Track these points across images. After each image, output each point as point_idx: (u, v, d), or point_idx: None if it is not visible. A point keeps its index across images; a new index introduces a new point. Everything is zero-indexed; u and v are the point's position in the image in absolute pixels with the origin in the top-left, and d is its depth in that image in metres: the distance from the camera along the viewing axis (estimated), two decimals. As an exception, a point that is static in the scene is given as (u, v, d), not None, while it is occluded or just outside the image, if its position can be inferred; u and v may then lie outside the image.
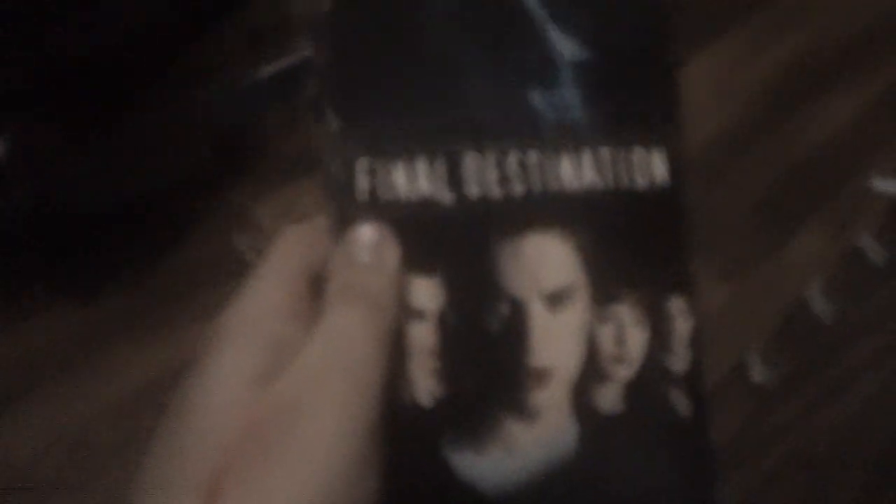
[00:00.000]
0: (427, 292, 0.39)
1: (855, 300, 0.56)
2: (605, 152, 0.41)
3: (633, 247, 0.41)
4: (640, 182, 0.42)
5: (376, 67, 0.40)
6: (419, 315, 0.39)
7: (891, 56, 0.64)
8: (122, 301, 0.53)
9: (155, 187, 0.51)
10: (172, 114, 0.50)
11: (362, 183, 0.40)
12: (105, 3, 0.44)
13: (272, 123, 0.50)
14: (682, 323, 0.41)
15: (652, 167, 0.42)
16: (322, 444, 0.33)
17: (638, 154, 0.42)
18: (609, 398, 0.40)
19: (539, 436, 0.39)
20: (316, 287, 0.39)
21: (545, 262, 0.40)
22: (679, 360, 0.41)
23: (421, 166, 0.40)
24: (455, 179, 0.40)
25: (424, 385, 0.38)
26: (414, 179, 0.40)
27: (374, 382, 0.35)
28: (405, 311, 0.39)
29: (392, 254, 0.38)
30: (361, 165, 0.40)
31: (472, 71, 0.41)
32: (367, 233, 0.38)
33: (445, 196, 0.40)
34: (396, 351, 0.38)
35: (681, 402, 0.40)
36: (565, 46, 0.42)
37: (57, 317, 0.52)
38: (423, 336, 0.39)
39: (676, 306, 0.41)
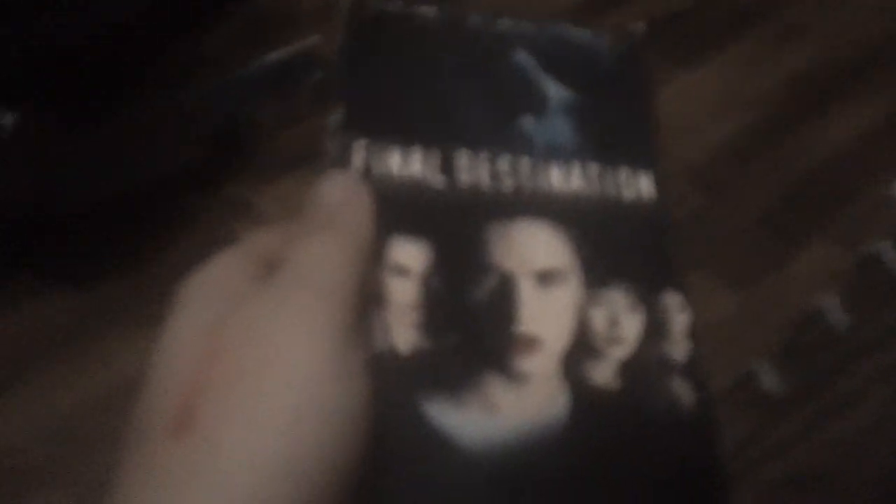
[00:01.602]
0: (412, 254, 0.38)
1: (870, 308, 0.52)
2: (594, 167, 0.43)
3: (621, 246, 0.41)
4: (627, 195, 0.43)
5: (385, 79, 0.44)
6: (402, 271, 0.37)
7: None
8: (114, 292, 0.50)
9: (151, 178, 0.51)
10: (170, 105, 0.51)
11: (357, 159, 0.41)
12: None
13: (271, 115, 0.52)
14: (678, 314, 0.39)
15: (639, 185, 0.43)
16: (291, 358, 0.30)
17: (625, 172, 0.43)
18: (603, 374, 0.36)
19: (526, 400, 0.35)
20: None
21: (535, 245, 0.40)
22: (678, 350, 0.38)
23: (416, 154, 0.41)
24: (448, 169, 0.41)
25: (403, 334, 0.35)
26: (408, 163, 0.41)
27: (339, 295, 0.33)
28: (387, 266, 0.37)
29: (364, 191, 0.38)
30: (359, 144, 0.41)
31: (469, 100, 0.45)
32: (335, 175, 0.38)
33: (438, 180, 0.41)
34: (374, 299, 0.36)
35: (683, 390, 0.37)
36: (552, 88, 0.46)
37: (46, 307, 0.50)
38: (404, 290, 0.37)
39: (672, 299, 0.39)
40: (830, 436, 0.44)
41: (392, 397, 0.34)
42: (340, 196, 0.37)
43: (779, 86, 0.66)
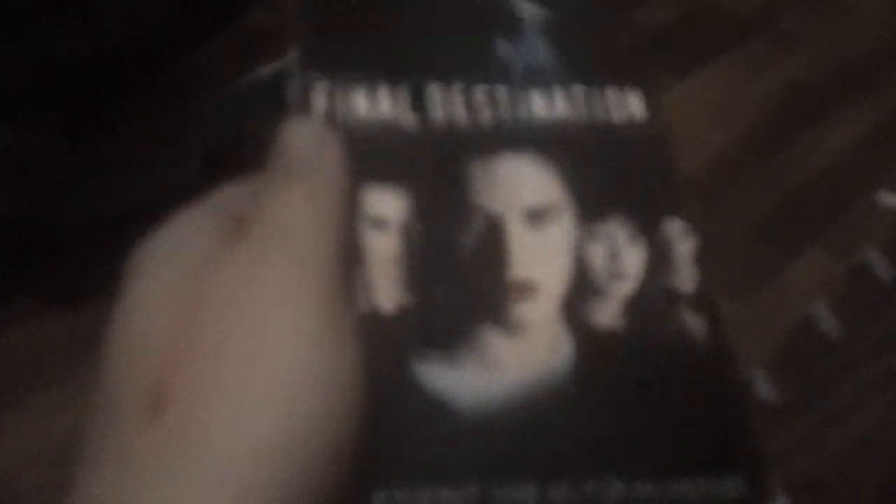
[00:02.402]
0: (389, 203, 0.35)
1: (862, 317, 0.52)
2: (578, 89, 0.40)
3: (615, 174, 0.38)
4: (617, 117, 0.39)
5: (345, 10, 0.40)
6: (380, 223, 0.34)
7: (894, 78, 0.64)
8: (109, 311, 0.48)
9: (145, 197, 0.48)
10: (163, 122, 0.48)
11: (319, 104, 0.37)
12: (99, 12, 0.45)
13: (264, 130, 0.48)
14: (682, 242, 0.36)
15: (628, 105, 0.40)
16: (273, 328, 0.27)
17: (612, 93, 0.40)
18: (607, 313, 0.34)
19: (526, 352, 0.32)
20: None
21: (521, 181, 0.36)
22: (685, 280, 0.35)
23: (383, 92, 0.38)
24: (419, 106, 0.38)
25: (386, 293, 0.32)
26: (375, 104, 0.38)
27: (320, 257, 0.30)
28: (363, 219, 0.34)
29: (332, 138, 0.34)
30: (320, 87, 0.37)
31: (436, 27, 0.41)
32: (300, 122, 0.35)
33: (409, 119, 0.37)
34: (352, 256, 0.33)
35: (694, 321, 0.34)
36: (526, 7, 0.42)
37: (42, 329, 0.47)
38: (384, 244, 0.34)
39: (673, 227, 0.36)
40: (828, 444, 0.43)
41: (380, 362, 0.31)
42: (307, 144, 0.33)
43: (771, 97, 0.64)
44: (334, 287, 0.29)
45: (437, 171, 0.36)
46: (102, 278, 0.47)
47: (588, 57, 0.41)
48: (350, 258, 0.32)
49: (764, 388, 0.52)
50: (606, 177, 0.37)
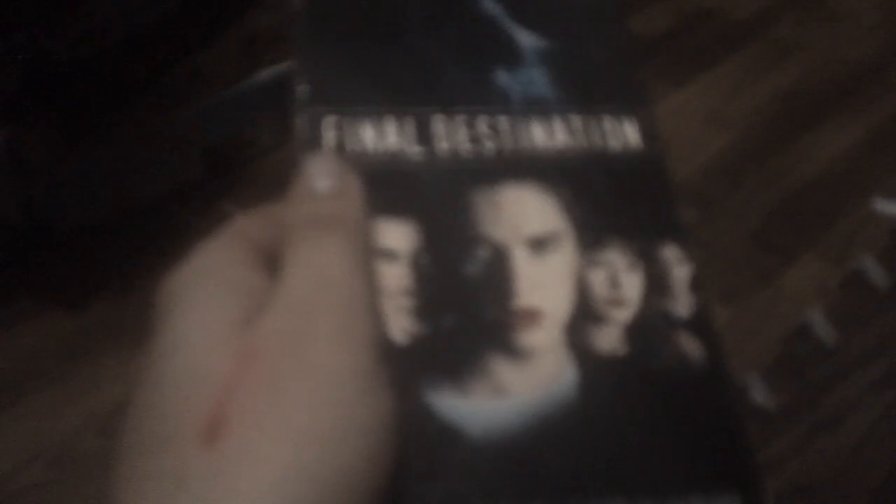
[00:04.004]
0: (398, 235, 0.36)
1: (857, 324, 0.53)
2: (576, 119, 0.41)
3: (614, 201, 0.39)
4: (614, 145, 0.41)
5: (349, 44, 0.41)
6: (390, 256, 0.36)
7: (889, 85, 0.66)
8: (110, 312, 0.49)
9: (145, 197, 0.49)
10: (163, 124, 0.50)
11: (329, 137, 0.38)
12: (99, 12, 0.46)
13: (264, 133, 0.50)
14: (678, 268, 0.38)
15: (625, 133, 0.41)
16: (330, 371, 0.29)
17: (609, 122, 0.42)
18: (608, 340, 0.35)
19: (533, 378, 0.34)
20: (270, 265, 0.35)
21: (524, 210, 0.38)
22: (681, 305, 0.37)
23: (389, 125, 0.39)
24: (424, 137, 0.39)
25: (398, 322, 0.34)
26: (382, 136, 0.39)
27: (367, 307, 0.31)
28: (374, 252, 0.35)
29: (353, 177, 0.36)
30: (328, 121, 0.39)
31: (439, 55, 0.42)
32: (323, 160, 0.36)
33: (415, 150, 0.39)
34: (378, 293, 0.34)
35: (690, 345, 0.36)
36: (523, 37, 0.44)
37: (40, 330, 0.48)
38: (394, 276, 0.35)
39: (670, 253, 0.38)
40: (821, 450, 0.44)
41: (395, 392, 0.32)
42: (330, 185, 0.35)
43: (767, 104, 0.66)
44: (378, 328, 0.31)
45: (442, 200, 0.38)
46: (97, 279, 0.49)
47: (584, 86, 0.42)
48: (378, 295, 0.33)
49: (758, 394, 0.54)
50: (605, 204, 0.39)
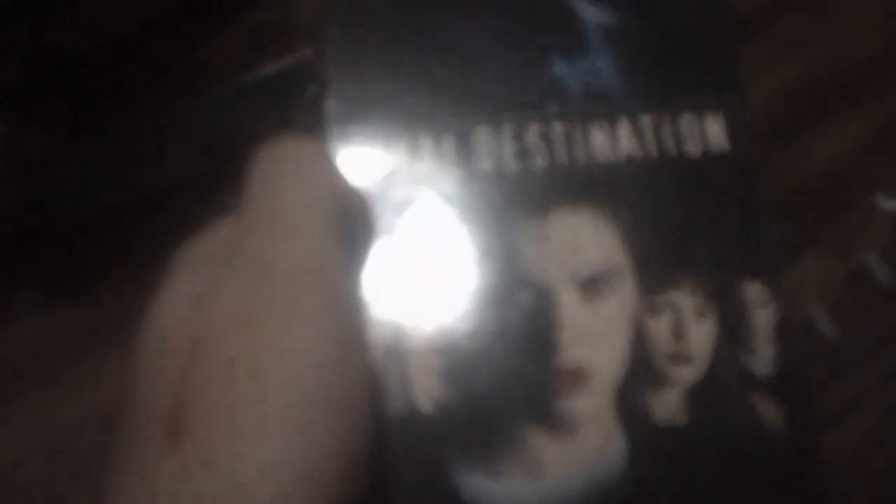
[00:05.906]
0: (425, 278, 0.32)
1: (860, 320, 0.49)
2: (646, 120, 0.35)
3: (687, 224, 0.33)
4: (692, 150, 0.34)
5: (379, 50, 0.36)
6: (416, 304, 0.32)
7: (893, 82, 0.59)
8: (112, 305, 0.49)
9: (148, 191, 0.48)
10: (166, 117, 0.47)
11: (356, 156, 0.34)
12: (101, 5, 0.44)
13: (266, 127, 0.47)
14: (761, 312, 0.32)
15: (706, 133, 0.35)
16: (290, 343, 0.26)
17: (687, 120, 0.35)
18: (668, 407, 0.30)
19: (576, 453, 0.30)
20: None
21: (577, 244, 0.33)
22: (761, 360, 0.31)
23: (426, 143, 0.35)
24: (465, 154, 0.34)
25: (423, 386, 0.31)
26: (417, 158, 0.34)
27: (335, 270, 0.28)
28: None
29: (323, 146, 0.32)
30: (356, 139, 0.35)
31: (483, 48, 0.36)
32: (293, 134, 0.32)
33: (453, 174, 0.34)
34: (388, 352, 0.31)
35: (768, 410, 0.30)
36: (589, 11, 0.37)
37: (44, 320, 0.49)
38: (421, 329, 0.31)
39: (752, 292, 0.32)
40: (826, 447, 0.39)
41: (413, 473, 0.29)
42: (304, 153, 0.31)
43: (770, 100, 0.57)
44: (347, 298, 0.28)
45: (479, 236, 0.33)
46: (104, 271, 0.48)
47: (661, 75, 0.36)
48: (350, 273, 0.30)
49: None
50: (676, 228, 0.33)
